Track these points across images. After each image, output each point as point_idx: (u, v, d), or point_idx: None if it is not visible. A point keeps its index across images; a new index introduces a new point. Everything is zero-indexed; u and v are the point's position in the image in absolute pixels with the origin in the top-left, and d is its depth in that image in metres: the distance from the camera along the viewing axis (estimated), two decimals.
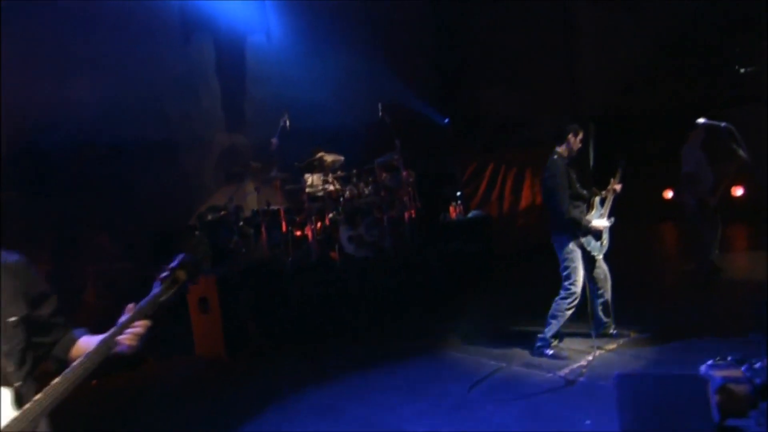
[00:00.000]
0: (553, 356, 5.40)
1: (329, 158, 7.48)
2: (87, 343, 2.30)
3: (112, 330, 2.16)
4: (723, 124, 4.59)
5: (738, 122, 4.64)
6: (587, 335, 5.70)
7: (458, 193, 9.10)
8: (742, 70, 13.33)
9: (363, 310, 6.78)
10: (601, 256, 5.47)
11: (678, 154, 7.54)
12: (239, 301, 6.26)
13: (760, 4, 11.84)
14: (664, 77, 11.97)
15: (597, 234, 5.39)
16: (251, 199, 8.96)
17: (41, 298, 2.25)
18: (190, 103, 8.85)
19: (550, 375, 5.10)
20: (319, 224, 7.40)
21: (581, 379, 4.91)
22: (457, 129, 10.46)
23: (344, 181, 7.64)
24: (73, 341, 2.35)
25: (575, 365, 5.20)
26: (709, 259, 7.27)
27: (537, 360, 5.44)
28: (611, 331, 5.67)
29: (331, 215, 7.36)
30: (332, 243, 7.19)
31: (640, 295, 6.90)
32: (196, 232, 7.80)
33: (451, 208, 8.41)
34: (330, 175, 7.59)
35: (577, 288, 5.32)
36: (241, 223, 7.45)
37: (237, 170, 7.69)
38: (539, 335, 5.53)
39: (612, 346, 5.53)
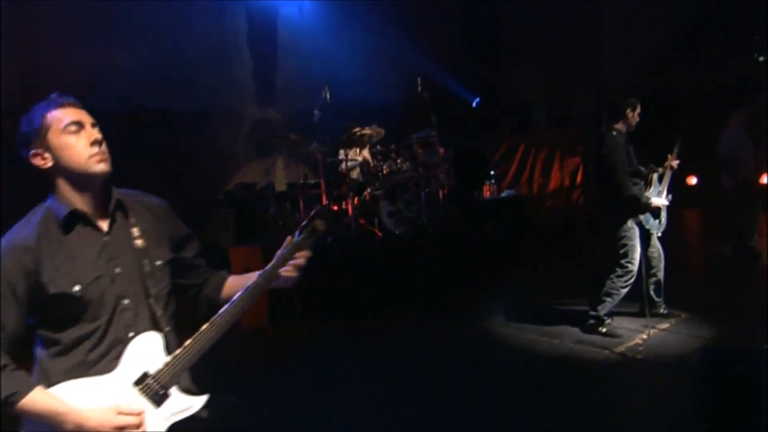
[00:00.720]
0: (606, 334, 5.33)
1: (368, 132, 7.34)
2: (237, 281, 2.25)
3: (272, 263, 2.10)
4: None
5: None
6: (636, 314, 5.68)
7: (491, 173, 9.00)
8: (761, 58, 13.31)
9: (406, 286, 6.69)
10: (659, 234, 5.39)
11: (702, 140, 7.50)
12: None
13: None
14: (686, 63, 11.88)
15: (656, 212, 5.31)
16: (280, 176, 8.87)
17: (184, 240, 2.18)
18: (222, 74, 8.69)
19: (607, 352, 5.05)
20: (356, 199, 7.29)
21: (638, 356, 4.87)
22: (488, 108, 10.35)
23: (383, 156, 7.52)
24: (224, 280, 2.29)
25: (631, 343, 5.15)
26: (749, 245, 7.23)
27: (590, 337, 5.37)
28: (662, 310, 5.61)
29: (369, 190, 7.24)
30: (372, 218, 7.08)
31: (683, 278, 6.85)
32: (223, 209, 7.73)
33: (485, 187, 8.32)
34: (368, 150, 7.48)
35: (634, 266, 5.25)
36: (276, 195, 7.34)
37: (275, 141, 7.52)
38: (591, 312, 5.45)
39: (665, 325, 5.48)
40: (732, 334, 5.18)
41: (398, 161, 7.43)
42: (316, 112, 7.20)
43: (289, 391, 4.88)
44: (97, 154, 1.88)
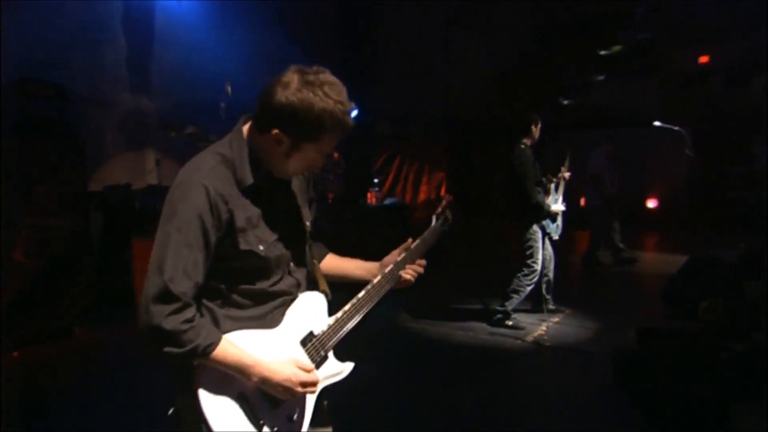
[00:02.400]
0: (512, 327, 5.82)
1: None
2: (335, 260, 2.18)
3: (397, 261, 2.06)
4: (677, 128, 5.44)
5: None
6: (528, 311, 6.28)
7: (375, 180, 9.19)
8: (565, 102, 15.64)
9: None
10: (557, 237, 6.02)
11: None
12: None
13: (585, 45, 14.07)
14: (514, 100, 13.32)
15: (554, 217, 5.94)
16: (151, 174, 8.25)
17: (311, 201, 2.08)
18: (93, 56, 7.82)
19: (519, 341, 5.51)
20: None
21: (547, 344, 5.39)
22: (367, 119, 10.58)
23: None
24: (326, 252, 2.19)
25: (536, 334, 5.69)
26: (618, 246, 8.50)
27: (499, 330, 5.81)
28: (551, 306, 6.26)
29: None
30: None
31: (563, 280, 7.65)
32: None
33: (370, 194, 8.50)
34: None
35: (539, 266, 5.81)
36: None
37: (167, 132, 6.87)
38: (498, 308, 5.92)
39: (556, 318, 6.14)
40: (609, 323, 5.98)
41: None
42: (222, 105, 6.83)
43: None
44: None
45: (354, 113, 7.74)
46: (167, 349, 1.57)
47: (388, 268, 2.02)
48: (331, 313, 1.92)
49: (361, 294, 1.94)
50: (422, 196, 10.89)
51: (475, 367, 5.06)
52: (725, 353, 4.57)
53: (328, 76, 1.69)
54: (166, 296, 1.56)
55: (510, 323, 5.84)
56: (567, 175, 6.18)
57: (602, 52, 15.27)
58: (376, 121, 10.95)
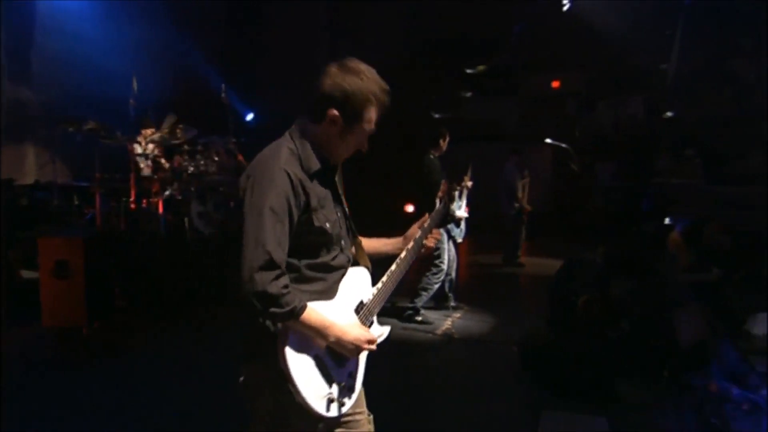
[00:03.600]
0: (421, 322, 6.23)
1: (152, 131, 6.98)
2: (363, 239, 2.38)
3: (419, 235, 2.35)
4: (564, 144, 6.20)
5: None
6: (431, 307, 6.73)
7: None
8: (437, 116, 16.59)
9: (221, 281, 6.51)
10: (460, 240, 6.53)
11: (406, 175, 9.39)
12: (104, 267, 5.45)
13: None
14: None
15: (458, 222, 6.45)
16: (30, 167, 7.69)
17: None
18: None
19: (431, 335, 5.93)
20: (157, 198, 6.81)
21: (456, 336, 5.87)
22: (264, 121, 10.49)
23: (189, 155, 7.13)
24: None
25: (444, 328, 6.14)
26: (518, 254, 9.28)
27: (411, 325, 6.19)
28: (452, 303, 6.77)
29: (170, 189, 6.88)
30: (182, 217, 6.68)
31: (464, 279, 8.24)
32: None
33: None
34: (155, 145, 7.02)
35: (445, 265, 6.28)
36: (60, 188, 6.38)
37: (64, 127, 6.40)
38: (408, 305, 6.29)
39: (458, 314, 6.65)
40: (506, 318, 6.60)
41: (201, 162, 7.19)
42: (131, 101, 6.54)
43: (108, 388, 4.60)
44: None
45: (250, 116, 7.74)
46: (272, 309, 1.77)
47: (411, 244, 2.30)
48: (372, 284, 2.18)
49: (393, 267, 2.22)
50: None
51: (392, 357, 5.36)
52: (602, 339, 5.38)
53: (362, 64, 2.00)
54: (270, 265, 1.76)
55: (419, 318, 6.25)
56: (469, 184, 6.72)
57: (468, 71, 16.54)
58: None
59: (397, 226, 2.59)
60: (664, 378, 4.69)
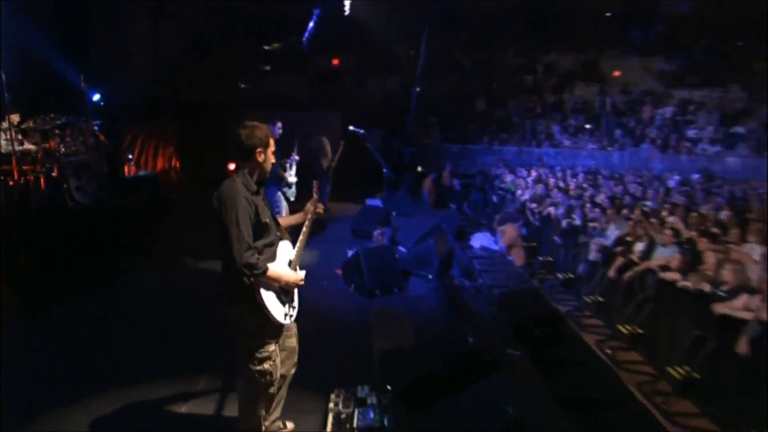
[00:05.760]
0: None
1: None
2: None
3: (312, 208, 3.42)
4: (361, 131, 8.01)
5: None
6: None
7: (130, 156, 9.40)
8: (243, 86, 17.21)
9: (106, 243, 7.14)
10: (293, 199, 8.07)
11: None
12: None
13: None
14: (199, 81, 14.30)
15: (290, 185, 7.94)
16: None
17: None
18: None
19: None
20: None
21: None
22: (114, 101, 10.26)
23: (60, 137, 7.32)
24: None
25: None
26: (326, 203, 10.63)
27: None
28: None
29: (46, 167, 7.18)
30: (62, 192, 7.05)
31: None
32: None
33: (126, 167, 8.93)
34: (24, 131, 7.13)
35: None
36: None
37: None
38: None
39: None
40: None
41: (71, 144, 7.54)
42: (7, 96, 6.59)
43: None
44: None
45: (96, 97, 8.22)
46: (254, 272, 2.87)
47: (309, 215, 3.38)
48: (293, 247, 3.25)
49: (301, 236, 3.30)
50: (159, 167, 11.42)
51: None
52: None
53: (254, 121, 3.08)
54: (248, 248, 2.87)
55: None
56: (297, 158, 8.21)
57: (266, 48, 17.35)
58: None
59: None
60: (430, 279, 6.76)
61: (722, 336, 4.76)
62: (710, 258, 5.55)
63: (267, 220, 3.09)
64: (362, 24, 14.58)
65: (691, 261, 5.75)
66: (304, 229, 3.35)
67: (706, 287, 5.30)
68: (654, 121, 16.11)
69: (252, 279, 2.91)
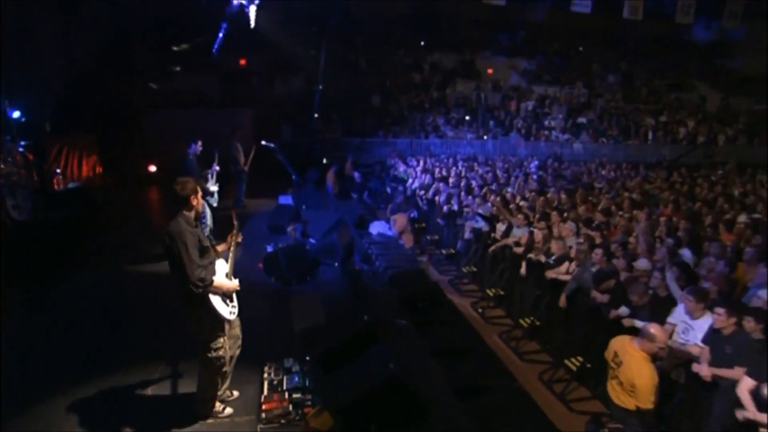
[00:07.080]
0: None
1: None
2: None
3: (235, 234, 4.32)
4: (272, 145, 8.77)
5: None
6: None
7: (57, 170, 9.33)
8: (154, 86, 16.84)
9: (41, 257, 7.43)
10: (215, 205, 8.73)
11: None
12: None
13: None
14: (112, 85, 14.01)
15: (212, 193, 8.60)
16: None
17: None
18: None
19: None
20: None
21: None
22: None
23: None
24: None
25: None
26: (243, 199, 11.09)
27: None
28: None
29: None
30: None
31: None
32: None
33: (55, 180, 8.99)
34: None
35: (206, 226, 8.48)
36: None
37: None
38: None
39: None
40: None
41: (2, 165, 7.65)
42: None
43: None
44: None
45: (17, 114, 8.39)
46: (205, 284, 3.73)
47: (235, 239, 4.23)
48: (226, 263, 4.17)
49: (230, 255, 4.16)
50: (85, 175, 11.30)
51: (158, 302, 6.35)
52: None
53: (184, 177, 3.99)
54: (198, 268, 3.73)
55: None
56: (217, 168, 8.82)
57: (175, 48, 17.06)
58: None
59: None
60: (336, 267, 7.66)
61: (553, 293, 6.14)
62: (539, 236, 7.11)
63: (207, 245, 3.99)
64: (266, 28, 14.86)
65: (534, 239, 7.26)
66: (231, 250, 4.20)
67: (542, 258, 6.78)
68: (519, 113, 18.10)
69: (202, 289, 3.76)
